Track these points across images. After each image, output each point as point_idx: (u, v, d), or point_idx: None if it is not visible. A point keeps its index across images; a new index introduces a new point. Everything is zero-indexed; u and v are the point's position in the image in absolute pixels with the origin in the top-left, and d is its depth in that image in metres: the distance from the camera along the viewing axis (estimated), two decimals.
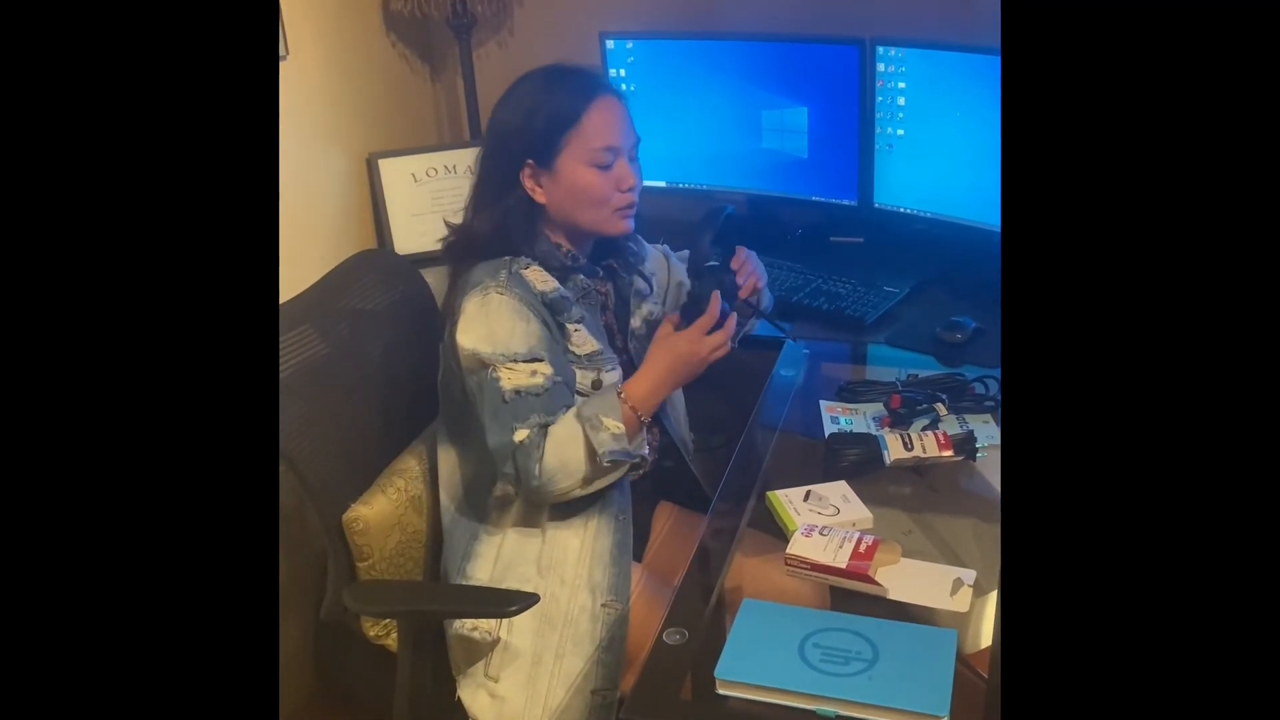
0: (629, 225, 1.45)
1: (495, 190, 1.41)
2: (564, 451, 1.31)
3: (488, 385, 1.33)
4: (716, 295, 1.37)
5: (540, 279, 1.38)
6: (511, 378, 1.32)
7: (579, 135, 1.38)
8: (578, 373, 1.39)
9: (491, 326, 1.33)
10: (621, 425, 1.33)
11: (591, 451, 1.31)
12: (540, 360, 1.33)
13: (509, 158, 1.40)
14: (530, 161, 1.39)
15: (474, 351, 1.33)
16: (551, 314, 1.38)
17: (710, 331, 1.37)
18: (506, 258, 1.38)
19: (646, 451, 1.40)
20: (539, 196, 1.41)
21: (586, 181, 1.39)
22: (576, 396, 1.38)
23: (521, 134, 1.39)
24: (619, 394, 1.36)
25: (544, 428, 1.32)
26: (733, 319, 1.38)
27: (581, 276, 1.43)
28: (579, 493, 1.35)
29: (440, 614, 1.42)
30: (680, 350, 1.38)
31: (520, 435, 1.31)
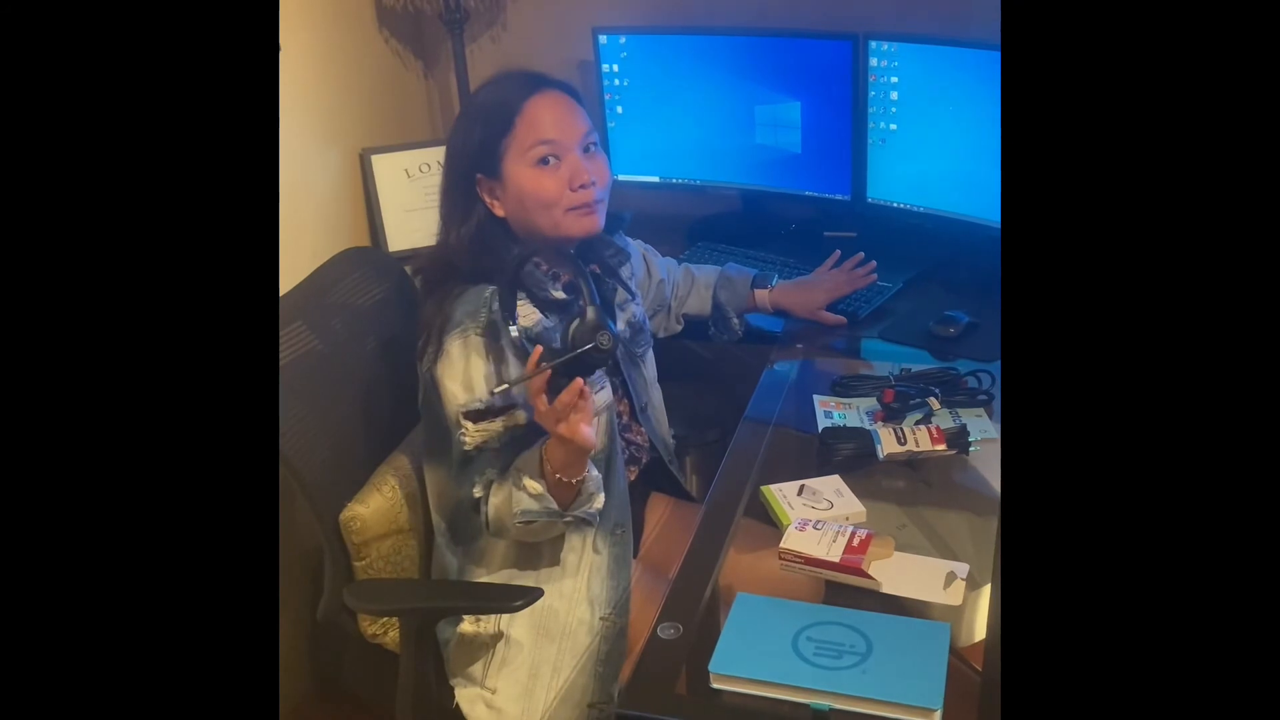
0: (594, 224, 1.38)
1: (458, 210, 1.37)
2: (499, 507, 1.30)
3: (455, 439, 1.32)
4: (537, 354, 1.20)
5: (523, 313, 1.33)
6: (474, 437, 1.29)
7: (515, 136, 1.34)
8: None
9: (469, 373, 1.30)
10: (539, 485, 1.26)
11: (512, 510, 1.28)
12: (514, 408, 1.30)
13: (461, 174, 1.37)
14: (480, 175, 1.35)
15: (452, 400, 1.31)
16: (535, 346, 1.33)
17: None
18: (488, 293, 1.32)
19: (592, 511, 1.31)
20: (498, 210, 1.37)
21: (532, 183, 1.34)
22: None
23: (466, 147, 1.36)
24: (542, 450, 1.27)
25: (493, 483, 1.31)
26: (577, 383, 1.20)
27: (562, 295, 1.38)
28: (534, 539, 1.35)
29: (446, 611, 1.42)
30: (545, 426, 1.24)
31: (478, 491, 1.31)
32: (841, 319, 1.75)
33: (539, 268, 1.39)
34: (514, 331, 1.25)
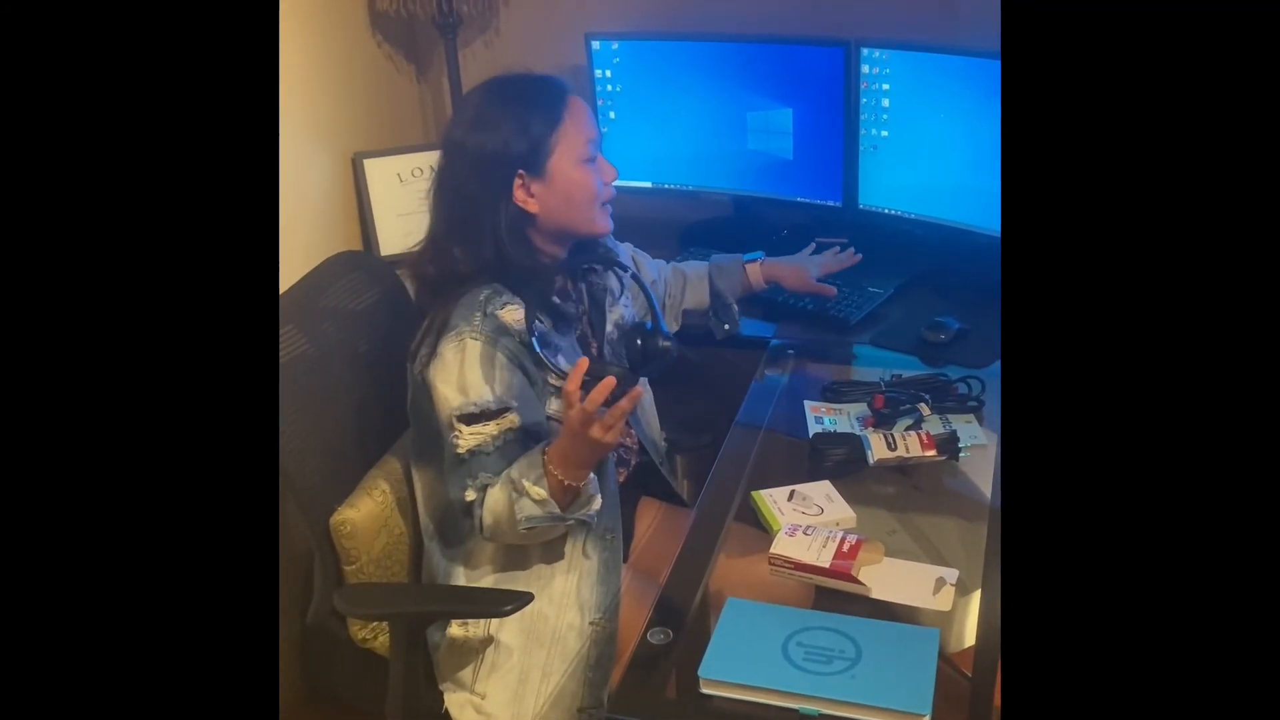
0: (610, 224, 1.44)
1: (481, 215, 1.35)
2: (498, 512, 1.30)
3: (447, 443, 1.32)
4: (581, 364, 1.22)
5: (516, 317, 1.33)
6: (467, 440, 1.29)
7: (565, 133, 1.37)
8: (558, 404, 1.36)
9: (464, 375, 1.30)
10: (543, 491, 1.26)
11: (514, 516, 1.28)
12: (508, 411, 1.30)
13: (493, 176, 1.35)
14: (521, 172, 1.35)
15: (446, 403, 1.31)
16: (529, 351, 1.33)
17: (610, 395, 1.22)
18: (483, 296, 1.33)
19: (591, 513, 1.31)
20: (531, 207, 1.37)
21: (581, 179, 1.38)
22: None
23: (506, 147, 1.35)
24: (544, 454, 1.27)
25: (487, 487, 1.31)
26: (608, 382, 1.20)
27: (556, 300, 1.39)
28: (532, 542, 1.35)
29: (436, 615, 1.42)
30: (572, 427, 1.23)
31: (470, 495, 1.31)
32: (832, 289, 1.78)
33: (543, 256, 1.41)
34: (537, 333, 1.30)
